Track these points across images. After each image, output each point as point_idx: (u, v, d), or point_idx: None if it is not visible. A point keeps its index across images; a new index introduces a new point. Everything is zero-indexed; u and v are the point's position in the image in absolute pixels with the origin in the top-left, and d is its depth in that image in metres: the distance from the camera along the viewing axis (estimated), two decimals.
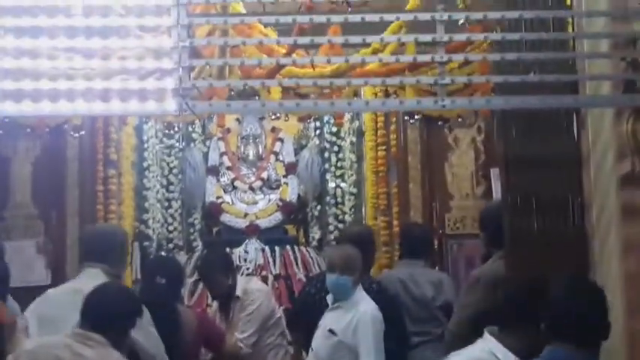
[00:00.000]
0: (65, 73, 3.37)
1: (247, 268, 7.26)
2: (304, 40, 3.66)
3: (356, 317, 4.38)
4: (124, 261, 4.50)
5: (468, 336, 3.96)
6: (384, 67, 4.41)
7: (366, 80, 3.83)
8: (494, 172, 6.84)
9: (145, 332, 3.90)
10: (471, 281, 4.45)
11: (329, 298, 4.63)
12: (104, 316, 3.47)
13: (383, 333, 4.39)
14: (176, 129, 8.22)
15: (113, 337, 3.45)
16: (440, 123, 7.21)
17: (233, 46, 4.13)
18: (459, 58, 3.99)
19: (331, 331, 4.44)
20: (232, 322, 5.29)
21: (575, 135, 3.75)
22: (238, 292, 5.28)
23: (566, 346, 2.88)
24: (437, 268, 6.34)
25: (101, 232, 4.60)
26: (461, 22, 3.78)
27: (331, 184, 8.16)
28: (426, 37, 3.55)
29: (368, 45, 4.49)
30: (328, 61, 3.73)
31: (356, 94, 7.53)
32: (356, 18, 3.56)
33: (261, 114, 7.29)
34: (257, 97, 7.69)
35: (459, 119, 7.18)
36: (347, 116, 7.77)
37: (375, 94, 7.36)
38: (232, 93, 7.51)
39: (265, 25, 4.13)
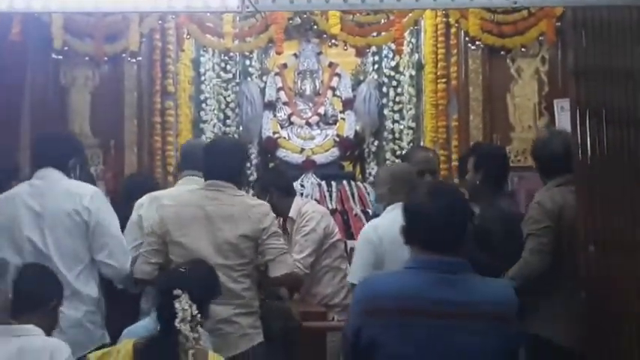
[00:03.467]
0: None
1: None
2: None
3: None
4: None
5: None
6: None
7: None
8: (558, 104, 6.67)
9: None
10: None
11: None
12: (226, 165, 3.91)
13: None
14: (233, 62, 8.13)
15: (236, 181, 3.94)
16: (502, 53, 7.02)
17: None
18: None
19: None
20: (290, 243, 5.25)
21: None
22: (292, 213, 5.24)
23: None
24: None
25: (197, 143, 5.03)
26: None
27: (389, 120, 8.02)
28: None
29: None
30: None
31: (416, 24, 7.41)
32: None
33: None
34: (315, 27, 7.66)
35: (522, 49, 6.99)
36: (406, 49, 7.62)
37: (436, 26, 7.24)
38: (290, 22, 7.47)
39: None
